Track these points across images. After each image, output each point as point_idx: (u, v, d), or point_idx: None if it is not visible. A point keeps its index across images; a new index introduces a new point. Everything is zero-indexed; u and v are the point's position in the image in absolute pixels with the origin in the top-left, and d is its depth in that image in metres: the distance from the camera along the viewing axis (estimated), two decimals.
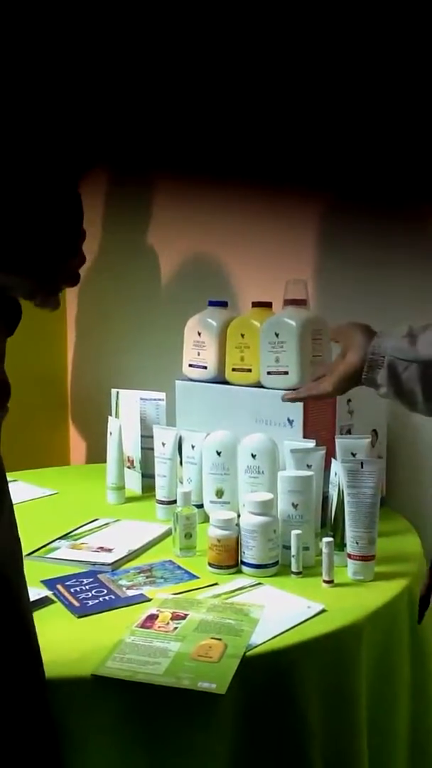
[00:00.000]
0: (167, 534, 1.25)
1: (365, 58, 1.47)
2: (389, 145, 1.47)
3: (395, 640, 1.02)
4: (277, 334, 1.29)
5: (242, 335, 1.37)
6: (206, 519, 1.29)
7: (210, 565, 1.11)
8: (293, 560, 1.09)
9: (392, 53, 1.43)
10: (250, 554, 1.09)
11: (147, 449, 1.51)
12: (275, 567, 1.10)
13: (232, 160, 1.71)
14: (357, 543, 1.08)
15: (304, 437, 1.26)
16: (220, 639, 0.88)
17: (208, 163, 1.77)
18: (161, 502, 1.37)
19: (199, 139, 1.78)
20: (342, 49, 1.51)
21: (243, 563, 1.10)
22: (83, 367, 2.21)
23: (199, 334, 1.44)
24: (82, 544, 1.22)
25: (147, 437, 1.50)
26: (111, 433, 1.51)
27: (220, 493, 1.29)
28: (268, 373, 1.31)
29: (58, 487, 1.60)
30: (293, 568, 1.09)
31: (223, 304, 1.47)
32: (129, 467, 1.59)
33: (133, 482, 1.57)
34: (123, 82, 1.90)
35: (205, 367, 1.44)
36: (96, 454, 2.01)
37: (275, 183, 1.64)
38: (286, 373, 1.28)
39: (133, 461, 1.58)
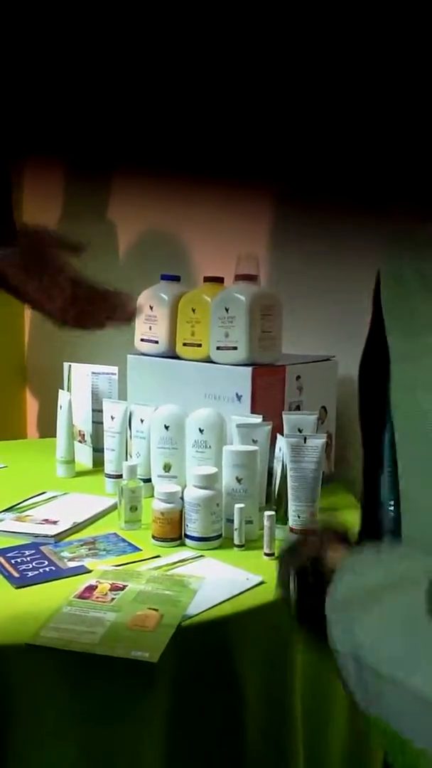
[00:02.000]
0: (114, 507, 1.25)
1: (317, 51, 1.47)
2: (348, 132, 1.47)
3: None
4: (227, 309, 1.29)
5: (193, 310, 1.36)
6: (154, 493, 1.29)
7: (153, 537, 1.11)
8: (235, 533, 1.10)
9: (347, 46, 1.43)
10: (193, 527, 1.09)
11: (98, 423, 1.51)
12: (218, 540, 1.11)
13: (188, 139, 1.70)
14: (299, 516, 1.09)
15: (252, 413, 1.26)
16: (156, 609, 0.89)
17: (165, 142, 1.75)
18: (110, 476, 1.37)
19: (158, 120, 1.76)
20: (295, 43, 1.50)
21: (186, 536, 1.11)
22: (40, 340, 2.18)
23: (151, 308, 1.43)
24: (27, 516, 1.22)
25: (98, 411, 1.49)
26: (61, 407, 1.50)
27: (167, 467, 1.29)
28: (218, 348, 1.31)
29: (8, 461, 1.59)
30: (235, 541, 1.10)
31: (175, 279, 1.46)
32: (80, 441, 1.58)
33: (84, 456, 1.57)
34: (82, 64, 1.87)
35: (157, 342, 1.43)
36: (52, 428, 2.00)
37: (231, 161, 1.63)
38: (235, 348, 1.28)
39: (84, 435, 1.57)
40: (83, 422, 1.56)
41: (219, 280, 1.38)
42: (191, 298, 1.38)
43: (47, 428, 2.13)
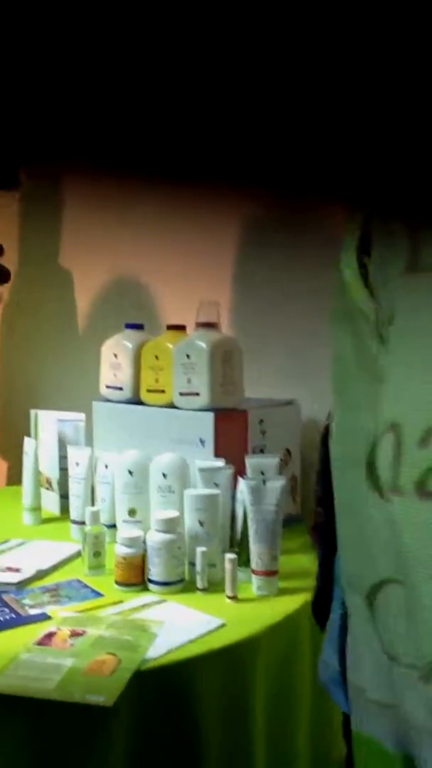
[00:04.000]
0: (78, 554, 1.26)
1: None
2: (308, 166, 1.52)
3: (296, 651, 1.05)
4: (188, 356, 1.32)
5: (156, 357, 1.39)
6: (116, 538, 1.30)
7: (116, 583, 1.12)
8: (198, 577, 1.10)
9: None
10: (155, 571, 1.10)
11: (64, 470, 1.51)
12: (181, 584, 1.11)
13: (148, 181, 1.74)
14: (260, 559, 1.10)
15: (216, 456, 1.28)
16: (115, 654, 0.89)
17: (124, 185, 1.80)
18: (75, 522, 1.37)
19: (115, 159, 1.81)
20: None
21: (149, 581, 1.11)
22: (7, 388, 2.19)
23: (116, 356, 1.46)
24: None
25: (65, 458, 1.50)
26: (27, 454, 1.51)
27: (132, 513, 1.30)
28: (181, 394, 1.33)
29: None
30: (198, 585, 1.11)
31: (139, 327, 1.49)
32: (47, 488, 1.58)
33: (51, 503, 1.57)
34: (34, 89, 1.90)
35: (121, 389, 1.45)
36: (20, 476, 2.00)
37: (191, 206, 1.68)
38: (197, 394, 1.31)
39: (51, 482, 1.58)
40: (50, 469, 1.57)
41: (181, 328, 1.41)
42: (154, 345, 1.41)
43: (16, 476, 2.12)
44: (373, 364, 0.55)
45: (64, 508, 1.52)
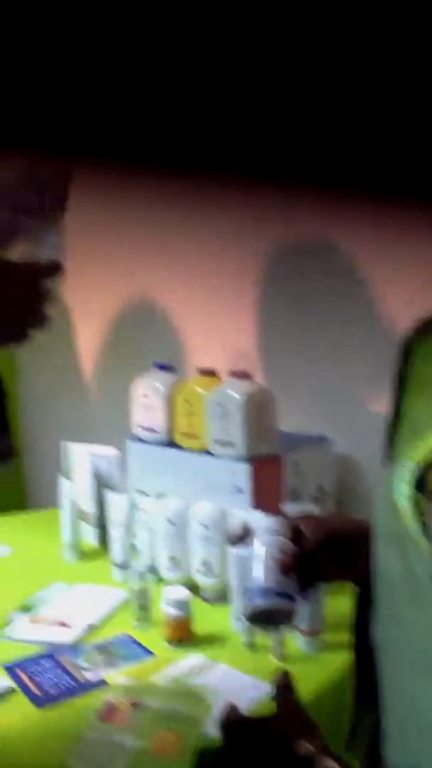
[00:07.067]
0: (123, 601, 1.30)
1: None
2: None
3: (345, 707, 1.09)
4: (223, 406, 1.33)
5: (188, 402, 1.41)
6: (160, 579, 1.35)
7: (166, 641, 1.16)
8: (244, 632, 1.15)
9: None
10: None
11: (100, 502, 1.56)
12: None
13: (183, 222, 1.74)
14: (304, 618, 1.14)
15: (252, 504, 1.31)
16: (174, 731, 0.94)
17: (160, 226, 1.80)
18: (117, 565, 1.42)
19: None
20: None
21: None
22: (32, 419, 2.21)
23: (146, 396, 1.47)
24: (40, 617, 1.26)
25: (100, 490, 1.55)
26: (63, 493, 1.55)
27: (173, 560, 1.34)
28: (215, 441, 1.35)
29: (13, 542, 1.62)
30: (244, 640, 1.15)
31: (169, 368, 1.50)
32: (84, 520, 1.62)
33: (89, 534, 1.61)
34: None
35: (155, 431, 1.47)
36: (51, 493, 2.01)
37: (223, 246, 1.68)
38: (232, 444, 1.33)
39: (87, 515, 1.62)
40: (86, 504, 1.61)
41: (212, 374, 1.42)
42: (186, 390, 1.42)
43: (47, 493, 2.15)
44: (423, 590, 0.53)
45: (102, 539, 1.57)
